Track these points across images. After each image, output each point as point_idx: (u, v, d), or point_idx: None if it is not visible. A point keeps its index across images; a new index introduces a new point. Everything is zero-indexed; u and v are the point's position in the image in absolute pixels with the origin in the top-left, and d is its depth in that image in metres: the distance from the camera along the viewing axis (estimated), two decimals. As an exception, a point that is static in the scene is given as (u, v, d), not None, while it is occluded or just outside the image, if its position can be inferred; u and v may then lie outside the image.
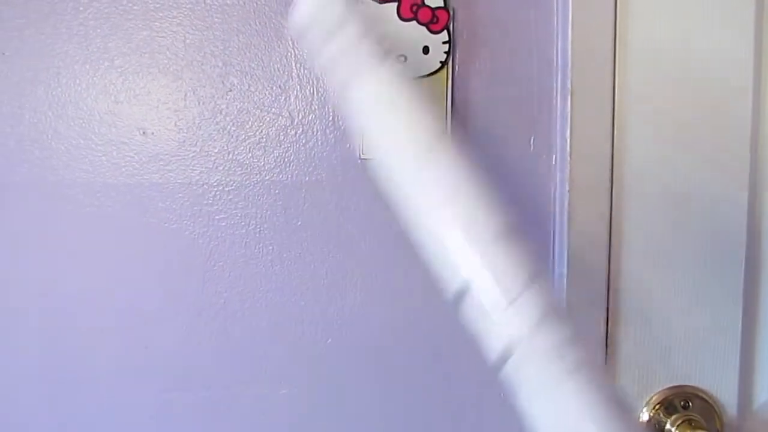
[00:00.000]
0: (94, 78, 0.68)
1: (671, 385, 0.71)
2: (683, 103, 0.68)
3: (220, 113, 0.68)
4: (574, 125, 0.67)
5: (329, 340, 0.70)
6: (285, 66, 0.67)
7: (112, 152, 0.68)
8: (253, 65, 0.67)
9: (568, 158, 0.67)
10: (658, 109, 0.68)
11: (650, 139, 0.69)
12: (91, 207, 0.68)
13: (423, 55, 0.66)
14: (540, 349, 0.40)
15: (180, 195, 0.68)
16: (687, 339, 0.70)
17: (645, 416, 0.71)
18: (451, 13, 0.66)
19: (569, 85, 0.67)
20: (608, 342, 0.70)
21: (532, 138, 0.69)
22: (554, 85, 0.69)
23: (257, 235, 0.69)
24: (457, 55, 0.67)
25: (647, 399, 0.71)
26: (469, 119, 0.68)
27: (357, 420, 0.71)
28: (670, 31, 0.68)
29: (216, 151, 0.68)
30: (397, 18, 0.66)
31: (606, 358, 0.70)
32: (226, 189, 0.69)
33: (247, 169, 0.68)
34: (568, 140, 0.67)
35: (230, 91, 0.68)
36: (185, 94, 0.68)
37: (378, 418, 0.71)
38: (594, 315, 0.69)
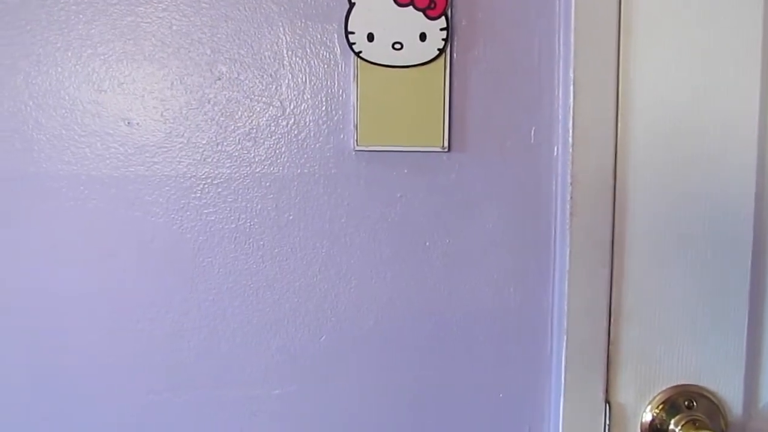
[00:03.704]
0: (77, 66, 0.65)
1: (675, 384, 0.69)
2: (690, 92, 0.66)
3: (209, 103, 0.65)
4: (577, 116, 0.65)
5: (323, 338, 0.68)
6: (276, 53, 0.65)
7: (96, 143, 0.65)
8: (242, 52, 0.65)
9: (570, 150, 0.65)
10: (663, 98, 0.66)
11: (655, 130, 0.66)
12: (74, 200, 0.66)
13: (420, 42, 0.64)
14: None
15: (167, 188, 0.66)
16: (691, 338, 0.68)
17: (648, 416, 0.69)
18: (450, -2, 0.64)
19: (572, 75, 0.65)
20: (611, 340, 0.68)
21: (533, 129, 0.67)
22: (556, 74, 0.66)
23: (247, 229, 0.66)
24: (456, 43, 0.65)
25: (650, 398, 0.69)
26: (468, 109, 0.66)
27: (351, 419, 0.69)
28: (677, 17, 0.65)
29: (204, 142, 0.66)
30: (393, 3, 0.63)
31: (608, 357, 0.68)
32: (215, 182, 0.66)
33: (236, 161, 0.66)
34: (571, 131, 0.65)
35: (219, 79, 0.65)
36: (172, 83, 0.65)
37: (372, 416, 0.69)
38: (596, 313, 0.67)
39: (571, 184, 0.65)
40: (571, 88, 0.65)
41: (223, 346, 0.68)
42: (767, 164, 0.68)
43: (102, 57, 0.65)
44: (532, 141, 0.67)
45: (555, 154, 0.67)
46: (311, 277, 0.67)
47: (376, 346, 0.68)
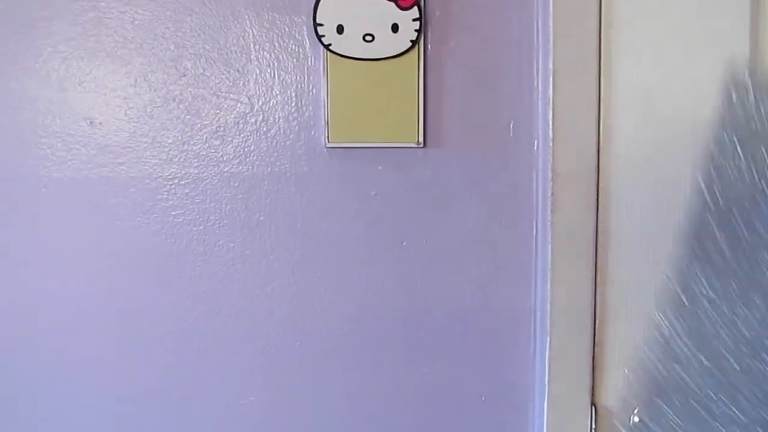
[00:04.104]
0: (37, 64, 0.62)
1: (664, 385, 0.66)
2: (674, 83, 0.63)
3: (174, 100, 0.63)
4: (557, 108, 0.62)
5: (298, 343, 0.66)
6: (242, 47, 0.62)
7: (58, 144, 0.63)
8: (207, 47, 0.62)
9: (551, 143, 0.62)
10: (647, 89, 0.63)
11: (640, 122, 0.64)
12: (36, 203, 0.63)
13: (392, 33, 0.61)
14: None
15: (132, 189, 0.63)
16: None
17: (636, 419, 0.66)
18: (422, -13, 0.61)
19: (551, 66, 0.62)
20: (596, 341, 0.65)
21: (512, 123, 0.64)
22: (535, 65, 0.64)
23: (217, 231, 0.64)
24: (429, 34, 0.62)
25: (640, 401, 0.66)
26: (443, 103, 0.63)
27: (328, 423, 0.67)
28: (659, 7, 0.63)
29: (170, 141, 0.63)
30: (363, -7, 0.60)
31: (594, 358, 0.65)
32: (182, 182, 0.64)
33: (204, 160, 0.63)
34: (551, 124, 0.62)
35: (184, 75, 0.62)
36: (135, 80, 0.63)
37: (350, 420, 0.67)
38: (581, 312, 0.65)
39: (552, 179, 0.63)
40: (551, 79, 0.62)
41: (195, 353, 0.65)
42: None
43: (63, 54, 0.62)
44: (511, 135, 0.64)
45: (535, 148, 0.64)
46: (284, 279, 0.65)
47: (353, 349, 0.66)
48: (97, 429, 0.66)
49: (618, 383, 0.66)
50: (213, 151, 0.63)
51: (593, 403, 0.66)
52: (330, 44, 0.61)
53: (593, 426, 0.65)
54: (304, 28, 0.62)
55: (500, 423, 0.68)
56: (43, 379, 0.65)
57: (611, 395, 0.66)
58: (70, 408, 0.66)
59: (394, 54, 0.61)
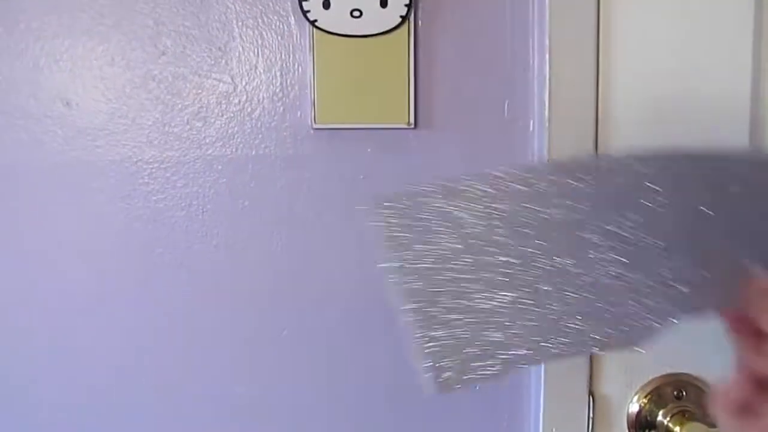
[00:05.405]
0: (9, 42, 0.59)
1: (664, 373, 0.64)
2: (677, 62, 0.61)
3: (153, 80, 0.60)
4: (554, 88, 0.60)
5: (284, 332, 0.64)
6: (225, 24, 0.60)
7: (33, 127, 0.60)
8: (188, 24, 0.59)
9: (547, 124, 0.60)
10: (647, 67, 0.61)
11: (639, 103, 0.61)
12: (11, 189, 0.61)
13: (380, 8, 0.58)
14: None
15: (111, 173, 0.61)
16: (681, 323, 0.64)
17: (635, 407, 0.65)
18: (412, -40, 0.58)
19: (547, 42, 0.59)
20: (593, 328, 0.63)
21: (507, 102, 0.61)
22: (530, 42, 0.61)
23: (200, 216, 0.62)
24: (420, 9, 0.60)
25: (637, 388, 0.65)
26: (435, 81, 0.60)
27: (317, 415, 0.65)
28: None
29: (149, 123, 0.61)
30: (350, -34, 0.58)
31: (591, 346, 0.63)
32: (163, 166, 0.61)
33: (185, 142, 0.61)
34: (547, 104, 0.60)
35: (163, 54, 0.60)
36: (112, 59, 0.60)
37: (339, 411, 0.65)
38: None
39: (548, 161, 0.60)
40: (547, 57, 0.59)
41: (179, 344, 0.63)
42: (760, 139, 0.63)
43: (36, 32, 0.59)
44: (506, 116, 0.62)
45: (531, 129, 0.62)
46: (270, 266, 0.62)
47: (343, 338, 0.64)
48: (74, 423, 0.64)
49: (616, 370, 0.64)
50: (195, 133, 0.61)
51: (591, 392, 0.64)
52: (316, 20, 0.58)
53: (591, 414, 0.64)
54: (289, 3, 0.59)
55: (496, 412, 0.66)
56: (19, 373, 0.63)
57: (609, 383, 0.64)
58: (42, 405, 0.64)
59: (383, 30, 0.59)
